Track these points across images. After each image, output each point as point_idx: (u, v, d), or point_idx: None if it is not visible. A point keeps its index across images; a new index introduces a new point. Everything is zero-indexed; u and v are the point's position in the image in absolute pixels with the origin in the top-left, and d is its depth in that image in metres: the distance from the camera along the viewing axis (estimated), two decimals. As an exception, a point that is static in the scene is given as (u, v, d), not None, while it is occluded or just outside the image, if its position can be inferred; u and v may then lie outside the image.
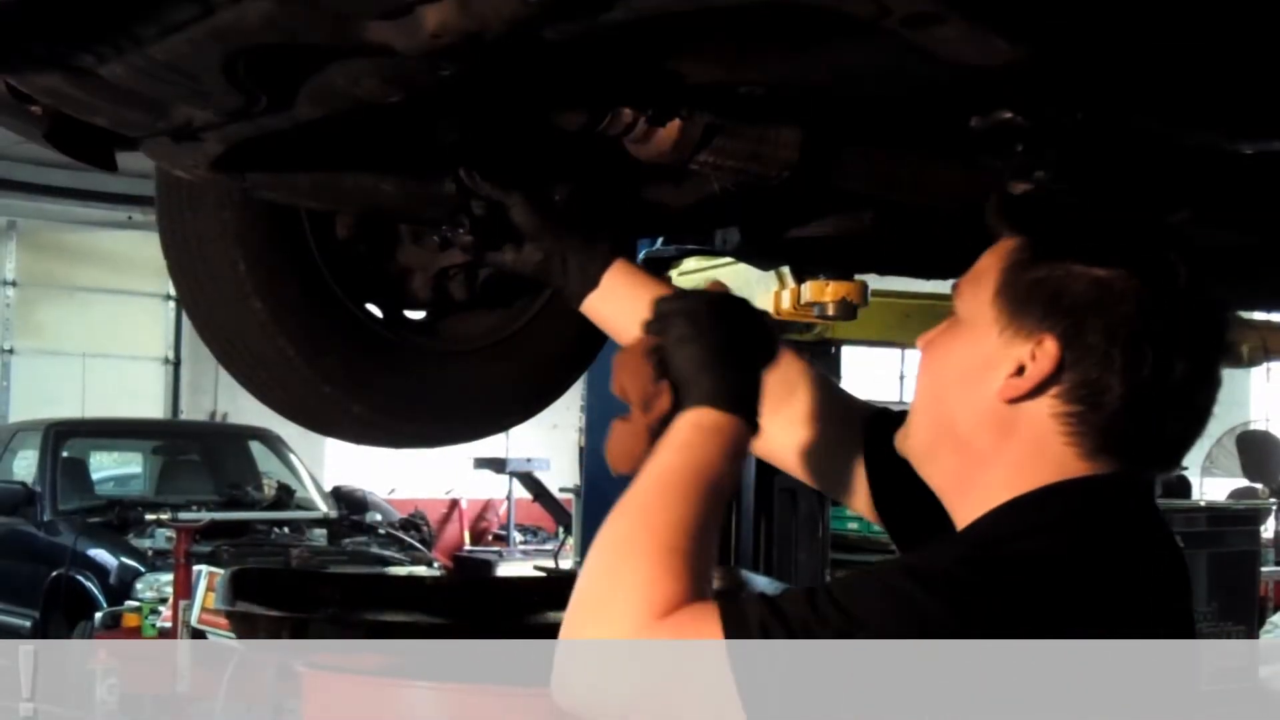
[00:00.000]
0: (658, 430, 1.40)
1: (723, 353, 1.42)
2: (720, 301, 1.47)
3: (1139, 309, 1.29)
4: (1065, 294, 1.30)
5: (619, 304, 1.72)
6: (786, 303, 3.80)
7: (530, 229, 1.77)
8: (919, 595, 1.18)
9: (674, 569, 1.25)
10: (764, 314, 1.50)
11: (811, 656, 1.16)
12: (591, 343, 2.37)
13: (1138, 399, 1.29)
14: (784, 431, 1.68)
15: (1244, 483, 10.46)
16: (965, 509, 1.36)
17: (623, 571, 1.26)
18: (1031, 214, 1.48)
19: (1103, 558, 1.27)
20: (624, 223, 2.18)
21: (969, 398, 1.35)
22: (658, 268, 4.56)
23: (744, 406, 1.40)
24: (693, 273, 4.26)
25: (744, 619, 1.19)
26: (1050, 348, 1.30)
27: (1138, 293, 1.29)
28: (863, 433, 1.65)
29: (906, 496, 1.51)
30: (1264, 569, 7.15)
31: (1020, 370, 1.31)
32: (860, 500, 1.66)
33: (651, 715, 1.23)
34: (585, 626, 1.27)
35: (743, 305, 1.48)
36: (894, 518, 1.63)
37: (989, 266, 1.37)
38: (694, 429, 1.37)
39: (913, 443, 1.44)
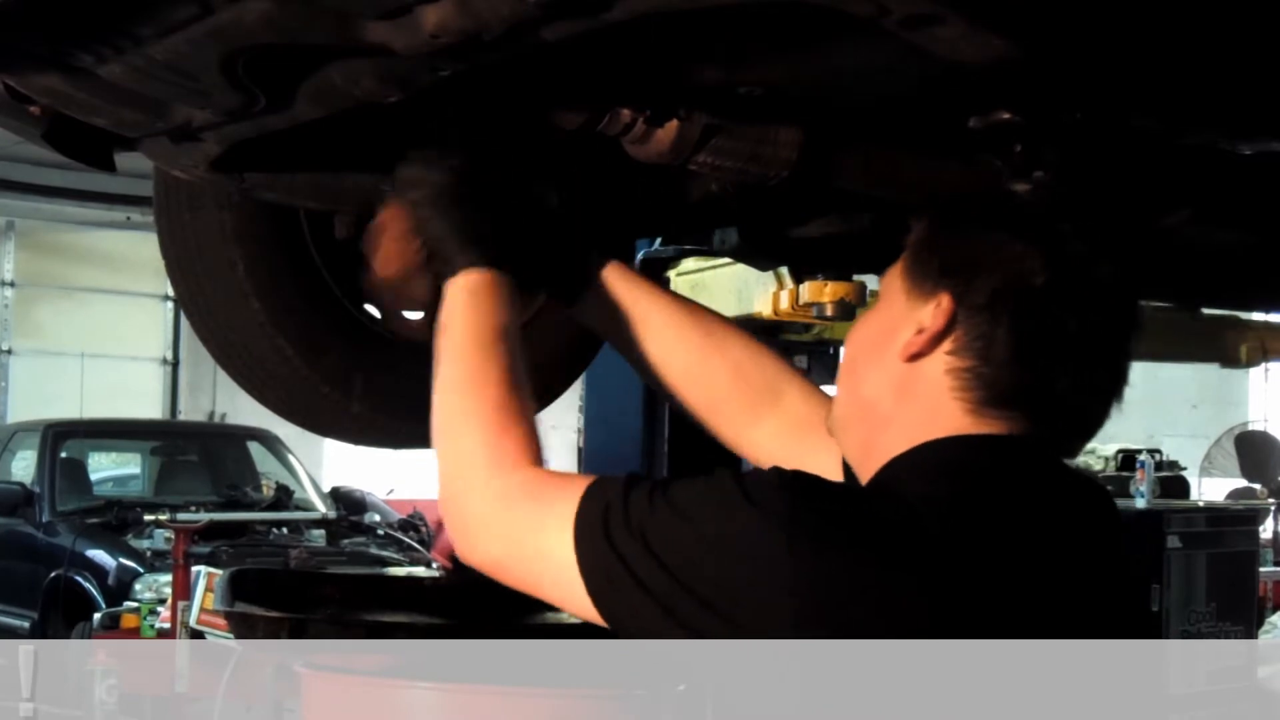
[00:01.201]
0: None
1: (467, 221, 1.56)
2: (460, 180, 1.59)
3: (1028, 267, 1.32)
4: (959, 255, 1.36)
5: (609, 308, 1.72)
6: (785, 303, 3.80)
7: (530, 232, 1.76)
8: (745, 508, 1.22)
9: (505, 423, 1.42)
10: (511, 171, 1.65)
11: (639, 551, 1.25)
12: (590, 343, 2.37)
13: (1024, 353, 1.32)
14: (769, 439, 1.68)
15: (1242, 483, 10.46)
16: (867, 477, 1.38)
17: (464, 441, 1.42)
18: (942, 199, 1.55)
19: (955, 505, 1.26)
20: (618, 224, 2.18)
21: (876, 364, 1.39)
22: (656, 268, 4.56)
23: (499, 258, 1.54)
24: (691, 273, 4.26)
25: (591, 509, 1.30)
26: (945, 304, 1.34)
27: (1028, 253, 1.33)
28: None
29: None
30: (1262, 569, 7.16)
31: (921, 331, 1.35)
32: None
33: (520, 578, 1.37)
34: (454, 500, 1.41)
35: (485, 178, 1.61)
36: None
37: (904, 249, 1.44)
38: (464, 293, 1.52)
39: (833, 417, 1.47)
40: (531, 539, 1.34)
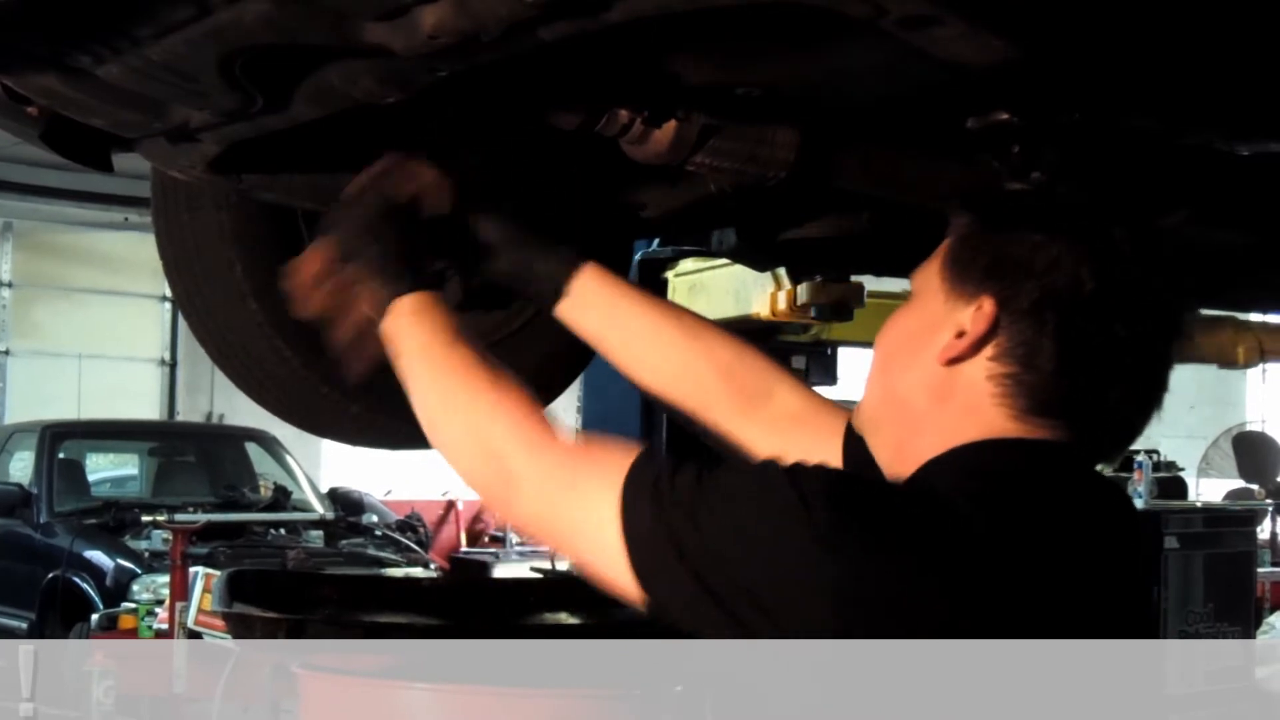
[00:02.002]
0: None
1: (385, 256, 1.59)
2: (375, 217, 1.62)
3: (1075, 273, 1.29)
4: (1004, 258, 1.32)
5: (591, 311, 1.72)
6: (782, 304, 3.81)
7: (496, 239, 1.76)
8: (792, 504, 1.20)
9: (514, 407, 1.44)
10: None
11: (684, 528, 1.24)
12: (588, 344, 2.37)
13: (1071, 362, 1.29)
14: (763, 437, 1.67)
15: (1240, 484, 10.46)
16: (900, 476, 1.35)
17: (489, 436, 1.43)
18: (983, 196, 1.51)
19: (995, 510, 1.24)
20: (601, 227, 2.18)
21: (913, 363, 1.36)
22: (654, 269, 4.56)
23: (420, 280, 1.57)
24: (689, 274, 4.26)
25: (638, 482, 1.29)
26: (988, 308, 1.30)
27: (1075, 258, 1.30)
28: (840, 435, 1.62)
29: None
30: (1260, 570, 7.16)
31: (961, 334, 1.32)
32: None
33: (568, 551, 1.40)
34: (501, 492, 1.43)
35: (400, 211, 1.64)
36: None
37: (942, 244, 1.40)
38: (405, 317, 1.54)
39: (863, 415, 1.45)
40: (579, 514, 1.34)
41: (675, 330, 1.71)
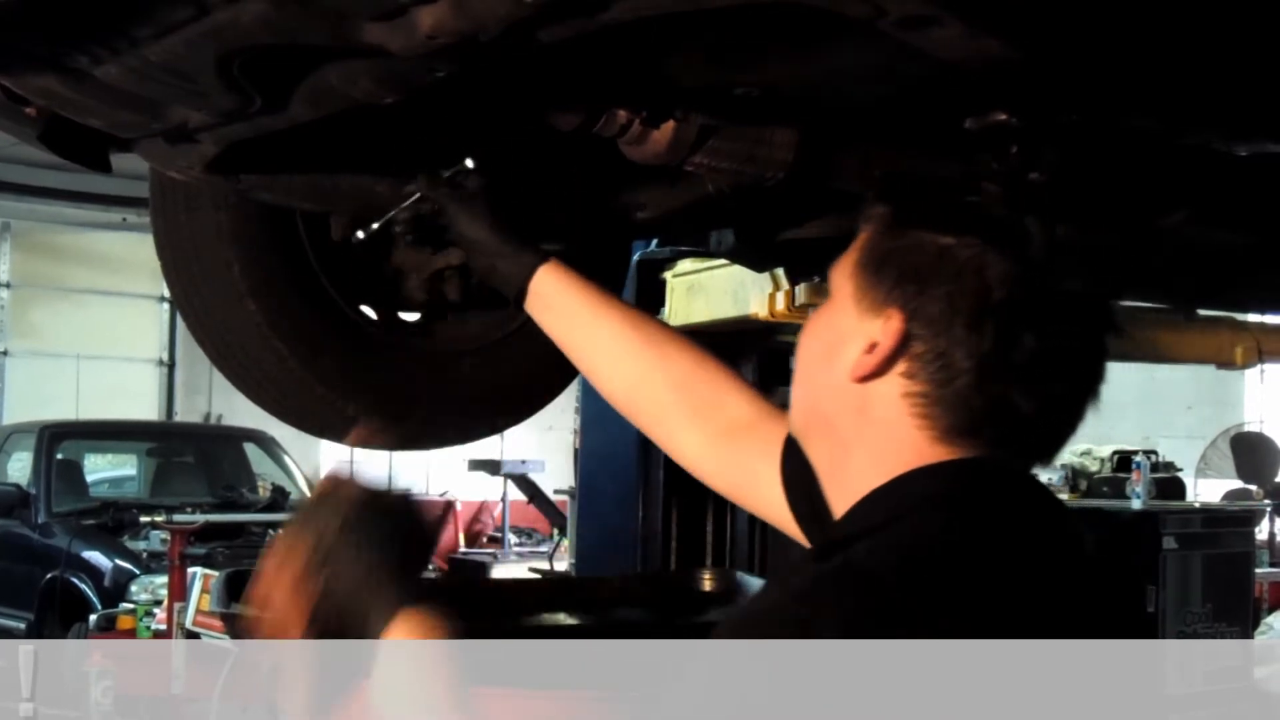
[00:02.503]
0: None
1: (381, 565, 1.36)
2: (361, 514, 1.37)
3: (986, 278, 1.20)
4: (910, 265, 1.23)
5: (549, 312, 1.74)
6: (781, 304, 3.80)
7: (467, 236, 1.79)
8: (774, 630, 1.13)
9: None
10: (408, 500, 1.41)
11: None
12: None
13: (984, 375, 1.20)
14: (709, 447, 1.67)
15: (1238, 484, 10.46)
16: (836, 498, 1.30)
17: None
18: (899, 184, 1.43)
19: (947, 552, 1.17)
20: (600, 227, 2.19)
21: (828, 377, 1.28)
22: (652, 269, 4.56)
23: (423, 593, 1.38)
24: (688, 274, 4.25)
25: None
26: (895, 322, 1.22)
27: (982, 261, 1.21)
28: (780, 442, 1.58)
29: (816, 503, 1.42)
30: (1258, 570, 7.16)
31: (872, 347, 1.24)
32: (776, 511, 1.59)
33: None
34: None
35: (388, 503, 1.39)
36: (811, 534, 1.53)
37: (857, 239, 1.32)
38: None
39: (793, 424, 1.39)
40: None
41: (634, 337, 1.70)
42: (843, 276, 1.30)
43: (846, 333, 1.27)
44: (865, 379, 1.24)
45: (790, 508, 1.54)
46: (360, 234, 1.93)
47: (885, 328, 1.23)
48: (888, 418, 1.24)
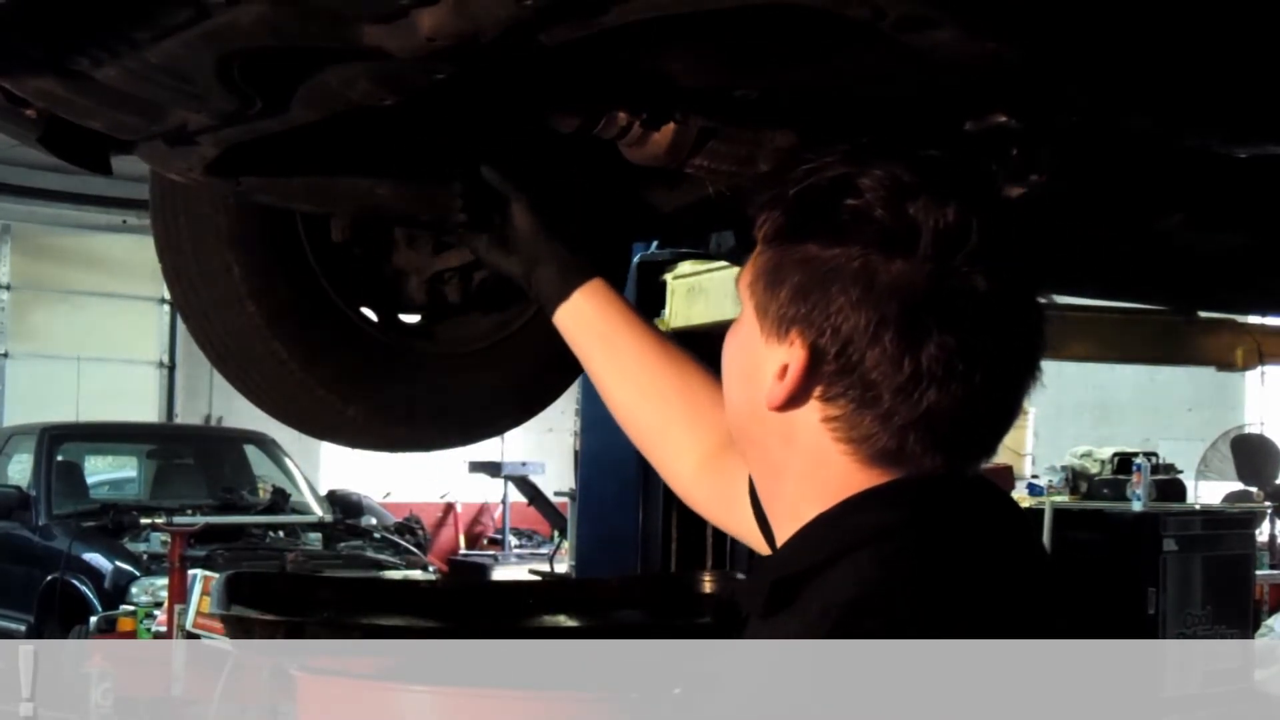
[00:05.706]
0: None
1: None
2: None
3: (871, 287, 1.13)
4: (801, 282, 1.17)
5: (583, 324, 1.73)
6: (781, 306, 3.80)
7: (524, 230, 1.79)
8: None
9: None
10: None
11: None
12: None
13: (898, 384, 1.14)
14: (696, 470, 1.66)
15: (1239, 486, 10.46)
16: (776, 521, 1.27)
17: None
18: (789, 185, 1.30)
19: (913, 579, 1.14)
20: (600, 229, 2.19)
21: (749, 401, 1.24)
22: (652, 271, 4.56)
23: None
24: (688, 276, 4.26)
25: None
26: (799, 346, 1.17)
27: (870, 269, 1.14)
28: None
29: None
30: (1258, 572, 7.17)
31: (783, 372, 1.18)
32: (749, 531, 1.55)
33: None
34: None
35: None
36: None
37: (754, 251, 1.25)
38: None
39: (730, 432, 1.34)
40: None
41: (660, 367, 1.69)
42: (744, 287, 1.25)
43: (757, 355, 1.21)
44: (783, 408, 1.19)
45: (760, 528, 1.49)
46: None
47: (790, 352, 1.17)
48: (813, 446, 1.19)
